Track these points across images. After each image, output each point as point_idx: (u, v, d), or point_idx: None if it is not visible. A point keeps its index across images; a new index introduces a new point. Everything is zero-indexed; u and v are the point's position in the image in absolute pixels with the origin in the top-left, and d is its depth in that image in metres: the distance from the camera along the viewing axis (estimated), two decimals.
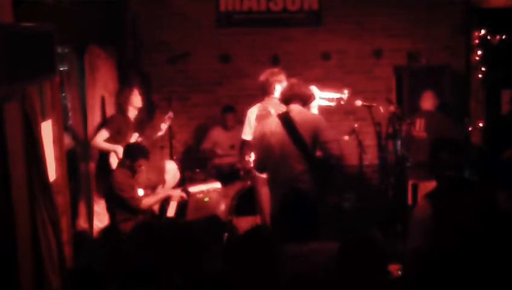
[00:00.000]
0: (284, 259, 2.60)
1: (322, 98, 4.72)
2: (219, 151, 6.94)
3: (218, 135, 7.00)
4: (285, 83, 4.79)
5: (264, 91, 4.94)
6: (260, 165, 4.54)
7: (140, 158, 5.17)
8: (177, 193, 5.57)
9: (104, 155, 5.77)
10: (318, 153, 4.27)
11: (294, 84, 4.35)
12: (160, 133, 6.29)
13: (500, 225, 2.88)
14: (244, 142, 5.42)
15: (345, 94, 4.75)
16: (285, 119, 4.24)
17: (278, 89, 4.81)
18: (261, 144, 4.39)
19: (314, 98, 4.44)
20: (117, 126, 5.76)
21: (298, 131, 4.16)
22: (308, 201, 2.77)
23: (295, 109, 4.28)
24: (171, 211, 5.52)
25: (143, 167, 5.24)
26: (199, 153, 7.04)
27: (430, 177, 4.04)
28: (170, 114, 6.30)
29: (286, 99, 4.35)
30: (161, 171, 6.06)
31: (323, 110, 4.78)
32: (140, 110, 6.17)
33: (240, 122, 7.01)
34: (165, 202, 5.61)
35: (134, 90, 5.98)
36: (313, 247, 2.64)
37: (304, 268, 2.55)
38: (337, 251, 2.47)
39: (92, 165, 5.77)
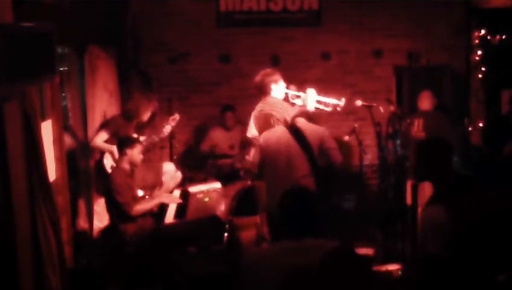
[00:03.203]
0: (282, 253, 2.61)
1: (319, 101, 4.68)
2: (218, 152, 6.93)
3: (217, 136, 6.99)
4: (281, 82, 4.84)
5: (261, 92, 4.95)
6: (258, 170, 4.69)
7: (135, 143, 5.22)
8: (173, 199, 5.54)
9: (102, 156, 5.78)
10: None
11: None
12: (162, 135, 6.20)
13: (504, 224, 2.88)
14: (247, 140, 5.41)
15: (342, 102, 4.70)
16: (293, 127, 4.49)
17: (274, 89, 4.83)
18: (265, 149, 4.54)
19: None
20: (116, 128, 5.75)
21: (307, 139, 4.41)
22: (308, 200, 2.77)
23: (301, 121, 4.53)
24: (170, 212, 5.52)
25: (139, 148, 5.23)
26: (198, 154, 7.04)
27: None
28: (176, 116, 6.21)
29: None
30: (158, 172, 6.03)
31: (316, 111, 4.75)
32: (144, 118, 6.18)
33: (240, 122, 7.02)
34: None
35: (149, 108, 5.97)
36: (312, 243, 2.64)
37: (302, 263, 2.56)
38: (319, 266, 2.46)
39: (92, 165, 5.77)
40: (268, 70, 5.04)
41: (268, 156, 4.55)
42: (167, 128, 6.14)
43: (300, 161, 4.39)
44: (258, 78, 4.94)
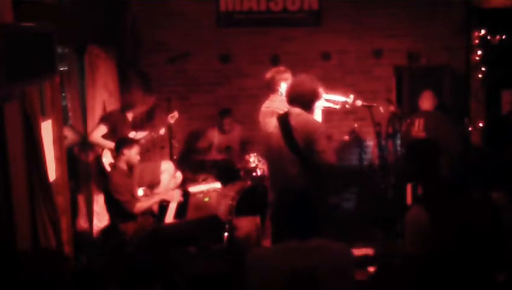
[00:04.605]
0: (285, 254, 2.61)
1: (327, 100, 4.70)
2: (214, 152, 6.93)
3: (214, 138, 6.98)
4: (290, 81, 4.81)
5: (269, 88, 4.94)
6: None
7: (133, 144, 5.22)
8: (174, 196, 5.53)
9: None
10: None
11: (296, 85, 4.24)
12: (161, 132, 6.24)
13: (497, 225, 2.88)
14: None
15: (351, 98, 4.73)
16: (283, 122, 4.20)
17: (284, 87, 4.82)
18: (263, 143, 4.43)
19: (317, 99, 4.26)
20: (114, 123, 5.76)
21: (293, 136, 4.10)
22: (305, 200, 2.76)
23: (294, 112, 4.20)
24: (170, 212, 5.52)
25: (137, 149, 5.23)
26: (198, 154, 7.04)
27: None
28: (175, 113, 6.26)
29: (288, 99, 4.28)
30: (155, 171, 6.02)
31: (325, 109, 4.77)
32: (139, 112, 6.18)
33: (238, 122, 7.02)
34: (164, 202, 5.60)
35: (146, 101, 5.98)
36: (316, 243, 2.64)
37: (306, 264, 2.56)
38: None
39: (92, 163, 5.77)
40: (281, 68, 5.02)
41: (264, 152, 4.48)
42: (162, 131, 6.23)
43: (290, 161, 4.10)
44: (268, 74, 4.92)
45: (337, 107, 4.72)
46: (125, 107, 6.04)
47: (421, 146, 3.19)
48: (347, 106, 4.76)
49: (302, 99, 4.16)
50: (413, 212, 2.92)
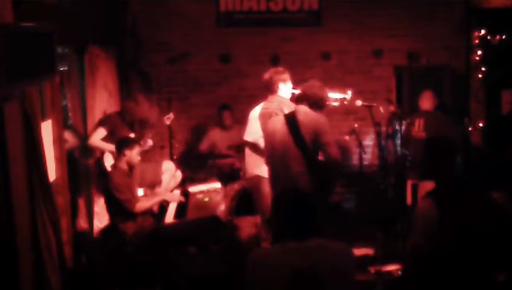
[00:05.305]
0: (286, 254, 2.61)
1: None
2: (216, 152, 6.93)
3: (216, 136, 6.98)
4: (289, 82, 4.84)
5: (268, 89, 4.96)
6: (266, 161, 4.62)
7: (134, 145, 5.21)
8: (175, 197, 5.53)
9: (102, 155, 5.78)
10: (320, 157, 4.29)
11: (307, 87, 4.40)
12: (149, 143, 6.18)
13: (503, 224, 2.89)
14: (246, 143, 5.40)
15: (349, 94, 4.78)
16: (290, 119, 4.29)
17: (282, 88, 4.83)
18: (266, 141, 4.48)
19: (325, 102, 4.41)
20: (112, 126, 5.76)
21: (300, 132, 4.20)
22: (306, 200, 2.77)
23: (301, 109, 4.32)
24: (170, 212, 5.52)
25: (137, 149, 5.23)
26: (198, 154, 7.04)
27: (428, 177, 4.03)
28: (170, 115, 6.31)
29: (297, 98, 4.41)
30: (157, 170, 6.03)
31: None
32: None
33: (238, 122, 7.01)
34: (164, 202, 5.60)
35: (148, 114, 6.00)
36: (316, 243, 2.64)
37: (306, 264, 2.56)
38: None
39: (92, 165, 5.77)
40: (279, 68, 5.04)
41: (267, 150, 4.51)
42: (150, 142, 6.17)
43: (295, 158, 4.19)
44: (267, 75, 4.94)
45: (336, 104, 4.75)
46: (124, 114, 6.05)
47: (440, 143, 3.21)
48: (345, 102, 4.80)
49: (310, 99, 4.32)
50: (422, 204, 2.95)
